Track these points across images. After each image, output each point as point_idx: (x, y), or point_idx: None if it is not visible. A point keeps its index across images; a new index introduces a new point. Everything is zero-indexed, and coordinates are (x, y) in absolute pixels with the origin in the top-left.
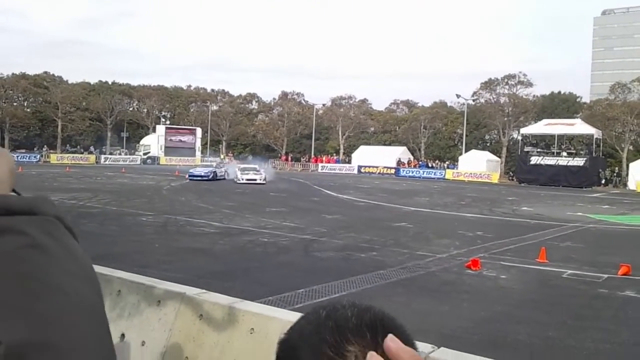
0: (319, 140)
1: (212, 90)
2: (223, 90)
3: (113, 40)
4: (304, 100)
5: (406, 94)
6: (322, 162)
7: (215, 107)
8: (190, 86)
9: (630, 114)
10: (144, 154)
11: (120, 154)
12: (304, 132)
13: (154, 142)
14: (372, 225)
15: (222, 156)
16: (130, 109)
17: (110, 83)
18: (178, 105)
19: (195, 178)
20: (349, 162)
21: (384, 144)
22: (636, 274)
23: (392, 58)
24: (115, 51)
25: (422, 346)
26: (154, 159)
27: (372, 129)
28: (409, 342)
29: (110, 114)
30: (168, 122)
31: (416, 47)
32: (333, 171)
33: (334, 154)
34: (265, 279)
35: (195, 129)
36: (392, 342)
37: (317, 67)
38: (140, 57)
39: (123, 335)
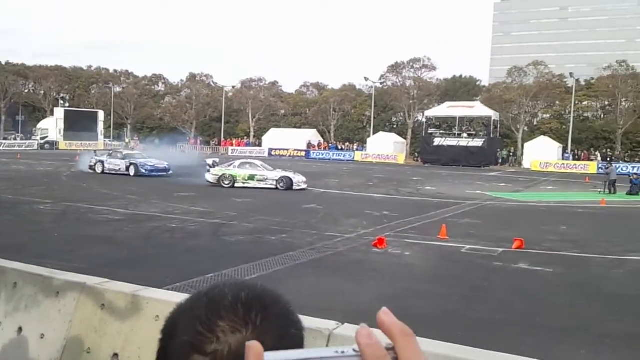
0: (229, 123)
1: (115, 71)
2: (127, 71)
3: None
4: (213, 82)
5: (316, 76)
6: (232, 145)
7: (118, 89)
8: (91, 67)
9: (525, 97)
10: (42, 138)
11: (15, 139)
12: (213, 115)
13: (52, 126)
14: (283, 208)
15: (127, 140)
16: (26, 90)
17: (3, 63)
18: (78, 87)
19: (155, 174)
20: (260, 145)
21: (295, 127)
22: (529, 247)
23: (302, 40)
24: (4, 31)
25: (326, 323)
26: (53, 144)
27: (283, 111)
28: (288, 318)
29: (3, 97)
30: (67, 104)
31: (325, 30)
32: (244, 154)
33: (245, 137)
34: (173, 265)
35: (97, 112)
36: (384, 315)
37: (226, 49)
38: (34, 36)
39: (20, 329)
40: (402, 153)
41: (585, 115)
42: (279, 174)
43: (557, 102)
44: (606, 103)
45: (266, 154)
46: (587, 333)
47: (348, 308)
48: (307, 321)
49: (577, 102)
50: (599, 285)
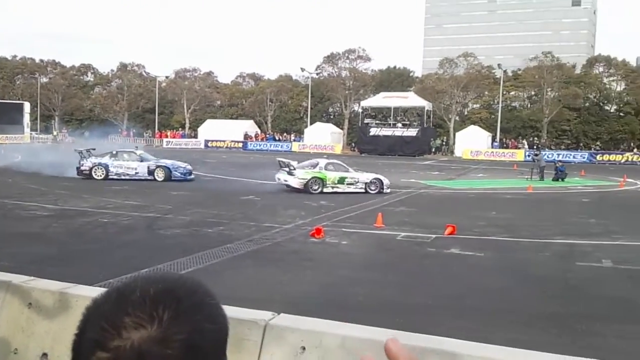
0: (163, 115)
1: (42, 60)
2: (54, 60)
3: None
4: (145, 72)
5: (252, 67)
6: (167, 137)
7: (45, 80)
8: (15, 56)
9: (456, 87)
10: None
11: None
12: (146, 106)
13: None
14: (220, 200)
15: (55, 133)
16: None
17: None
18: (2, 78)
19: (189, 177)
20: (196, 136)
21: (231, 118)
22: (461, 233)
23: (238, 30)
24: None
25: (262, 314)
26: None
27: (219, 102)
28: (203, 312)
29: None
30: None
31: (261, 20)
32: (179, 146)
33: (180, 129)
34: (105, 261)
35: (22, 104)
36: (392, 343)
37: (159, 38)
38: None
39: None
40: (339, 143)
41: (513, 105)
42: (369, 176)
43: (486, 93)
44: (532, 93)
45: (202, 146)
46: (514, 314)
47: (286, 298)
48: (242, 313)
49: (505, 92)
50: (527, 268)
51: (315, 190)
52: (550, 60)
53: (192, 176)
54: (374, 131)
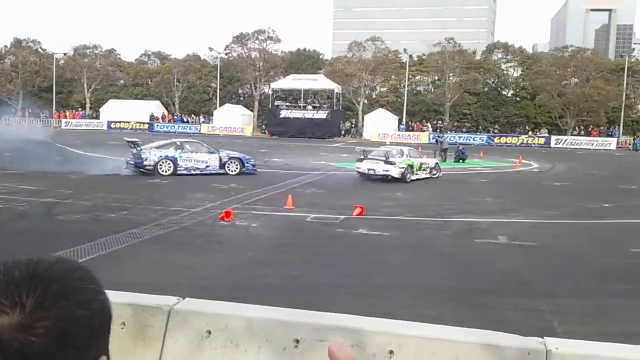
0: (61, 94)
1: None
2: None
3: None
4: (41, 48)
5: (158, 45)
6: (65, 117)
7: None
8: None
9: (365, 71)
10: None
11: None
12: (43, 85)
13: None
14: (124, 184)
15: None
16: None
17: None
18: None
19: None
20: (97, 117)
21: (136, 98)
22: (369, 213)
23: (142, 6)
24: None
25: (167, 299)
26: None
27: (122, 81)
28: (72, 298)
29: None
30: None
31: None
32: (79, 127)
33: (80, 109)
34: None
35: None
36: (335, 346)
37: (57, 13)
38: None
39: None
40: (250, 125)
41: (418, 89)
42: (431, 160)
43: (393, 77)
44: (436, 78)
45: (105, 127)
46: (417, 289)
47: (194, 282)
48: (145, 299)
49: (410, 77)
50: (430, 245)
51: (410, 179)
52: (452, 46)
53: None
54: (284, 113)
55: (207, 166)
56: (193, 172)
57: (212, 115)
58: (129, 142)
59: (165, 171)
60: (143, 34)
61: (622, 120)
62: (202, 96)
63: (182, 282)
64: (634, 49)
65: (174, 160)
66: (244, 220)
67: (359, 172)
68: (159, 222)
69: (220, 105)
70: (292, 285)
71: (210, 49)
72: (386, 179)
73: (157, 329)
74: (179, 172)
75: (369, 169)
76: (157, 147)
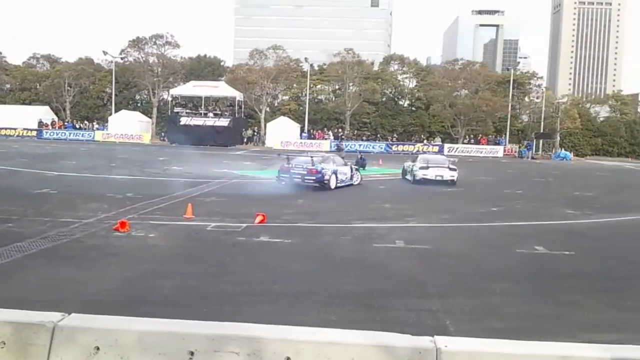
0: None
1: None
2: None
3: None
4: None
5: (47, 47)
6: None
7: None
8: None
9: (266, 79)
10: None
11: None
12: None
13: None
14: (9, 195)
15: None
16: None
17: None
18: None
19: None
20: None
21: (23, 103)
22: (270, 221)
23: (31, 5)
24: None
25: (50, 315)
26: None
27: (8, 85)
28: None
29: None
30: None
31: None
32: None
33: None
34: None
35: None
36: None
37: None
38: None
39: None
40: (148, 132)
41: (320, 97)
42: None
43: (295, 85)
44: (337, 87)
45: None
46: (318, 295)
47: (85, 297)
48: (28, 316)
49: (312, 86)
50: (330, 252)
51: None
52: (351, 56)
53: None
54: (184, 120)
55: (348, 177)
56: (341, 184)
57: (107, 122)
58: (286, 156)
59: (333, 185)
60: (31, 36)
61: (508, 130)
62: (96, 102)
63: (72, 297)
64: (519, 62)
65: (335, 174)
66: (140, 231)
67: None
68: (47, 235)
69: (116, 111)
70: (191, 297)
71: (105, 53)
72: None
73: (41, 347)
74: (338, 185)
75: (424, 175)
76: (320, 162)
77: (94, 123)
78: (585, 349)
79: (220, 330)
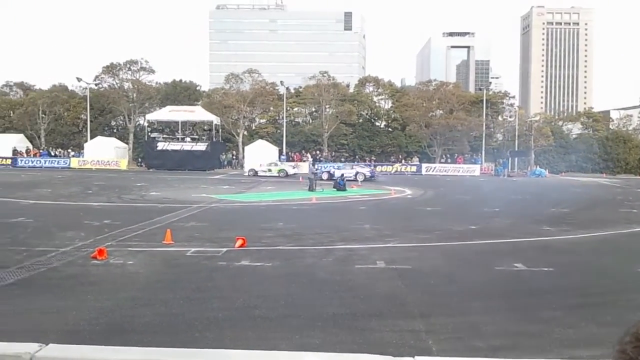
0: None
1: None
2: None
3: None
4: None
5: (20, 75)
6: None
7: None
8: None
9: (243, 102)
10: None
11: None
12: None
13: None
14: None
15: None
16: None
17: None
18: None
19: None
20: None
21: None
22: (251, 245)
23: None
24: None
25: (27, 347)
26: None
27: None
28: None
29: None
30: None
31: (30, 25)
32: None
33: None
34: None
35: None
36: None
37: None
38: None
39: None
40: (125, 158)
41: (297, 120)
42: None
43: (272, 108)
44: (313, 109)
45: None
46: (300, 318)
47: (62, 327)
48: (2, 347)
49: (288, 108)
50: (312, 274)
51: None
52: (326, 79)
53: None
54: (161, 145)
55: (352, 175)
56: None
57: (82, 149)
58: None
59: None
60: (3, 64)
61: (483, 148)
62: (71, 128)
63: (50, 328)
64: (490, 82)
65: (342, 175)
66: (119, 258)
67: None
68: (23, 265)
69: (92, 137)
70: (172, 324)
71: (79, 79)
72: None
73: None
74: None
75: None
76: (337, 169)
77: (70, 150)
78: None
79: (202, 357)
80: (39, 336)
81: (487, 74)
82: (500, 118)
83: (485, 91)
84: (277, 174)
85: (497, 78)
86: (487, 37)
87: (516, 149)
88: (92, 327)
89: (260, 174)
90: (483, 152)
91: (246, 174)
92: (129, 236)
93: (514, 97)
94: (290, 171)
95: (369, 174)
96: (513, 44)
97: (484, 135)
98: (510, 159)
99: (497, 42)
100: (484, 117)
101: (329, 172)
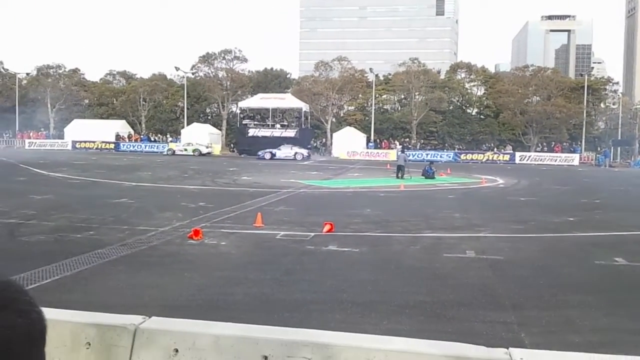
0: (24, 114)
1: None
2: None
3: None
4: (3, 68)
5: (123, 64)
6: (29, 138)
7: None
8: None
9: (332, 90)
10: None
11: None
12: (5, 105)
13: None
14: (89, 204)
15: None
16: None
17: None
18: None
19: None
20: (62, 137)
21: (101, 118)
22: (338, 230)
23: (106, 25)
24: None
25: (132, 318)
26: None
27: (87, 101)
28: (16, 309)
29: None
30: None
31: (132, 16)
32: (43, 147)
33: (43, 129)
34: None
35: None
36: None
37: (20, 32)
38: None
39: None
40: (218, 144)
41: (385, 107)
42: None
43: (360, 95)
44: (402, 96)
45: (70, 147)
46: (388, 304)
47: (162, 302)
48: (111, 318)
49: (377, 96)
50: (399, 261)
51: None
52: (417, 66)
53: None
54: (252, 132)
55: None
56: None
57: (179, 134)
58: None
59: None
60: (108, 54)
61: (583, 137)
62: (169, 115)
63: (150, 302)
64: (592, 67)
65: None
66: (212, 239)
67: None
68: (126, 242)
69: (188, 124)
70: (263, 303)
71: (177, 69)
72: None
73: (123, 349)
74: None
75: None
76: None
77: (168, 135)
78: None
79: (293, 336)
80: (141, 309)
81: (588, 59)
82: (602, 105)
83: (586, 77)
84: (192, 153)
85: (599, 63)
86: (588, 20)
87: (619, 137)
88: (188, 303)
89: (177, 152)
90: (583, 141)
91: (165, 153)
92: (222, 218)
93: (617, 83)
94: (204, 150)
95: (306, 154)
96: (617, 28)
97: (584, 123)
98: (612, 148)
99: (600, 26)
100: (585, 104)
101: (270, 152)
